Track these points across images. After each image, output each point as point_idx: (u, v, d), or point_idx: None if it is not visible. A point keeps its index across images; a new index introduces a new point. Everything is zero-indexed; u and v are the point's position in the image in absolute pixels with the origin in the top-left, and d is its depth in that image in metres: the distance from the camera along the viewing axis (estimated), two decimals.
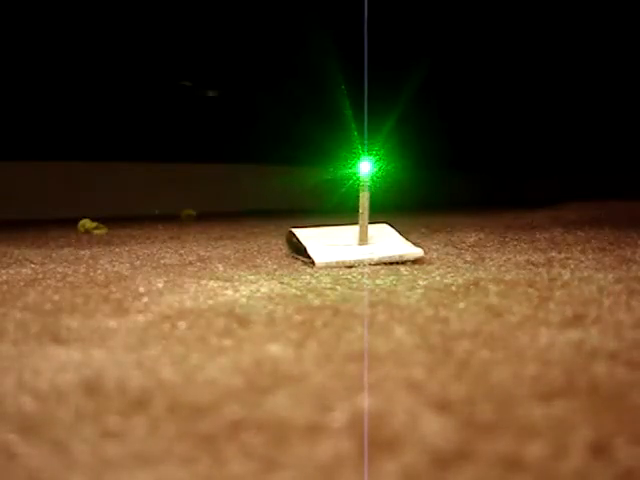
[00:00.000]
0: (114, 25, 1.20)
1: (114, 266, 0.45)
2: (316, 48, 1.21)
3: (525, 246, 0.56)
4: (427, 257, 0.47)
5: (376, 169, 0.46)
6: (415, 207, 1.24)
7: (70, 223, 0.79)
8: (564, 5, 1.67)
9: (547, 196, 1.57)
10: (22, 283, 0.38)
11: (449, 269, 0.42)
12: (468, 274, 0.40)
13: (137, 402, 0.18)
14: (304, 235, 0.47)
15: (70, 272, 0.42)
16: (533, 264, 0.44)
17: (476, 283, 0.36)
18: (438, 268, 0.43)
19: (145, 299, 0.33)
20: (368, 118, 0.48)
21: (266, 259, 0.48)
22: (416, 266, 0.44)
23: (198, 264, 0.46)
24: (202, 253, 0.53)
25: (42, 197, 1.14)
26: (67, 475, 0.14)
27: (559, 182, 1.75)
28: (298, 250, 0.46)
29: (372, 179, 0.46)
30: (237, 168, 1.34)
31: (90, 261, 0.48)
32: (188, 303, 0.32)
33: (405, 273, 0.40)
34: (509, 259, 0.47)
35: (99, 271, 0.43)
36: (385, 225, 0.49)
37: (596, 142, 1.61)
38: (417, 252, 0.45)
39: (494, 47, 1.66)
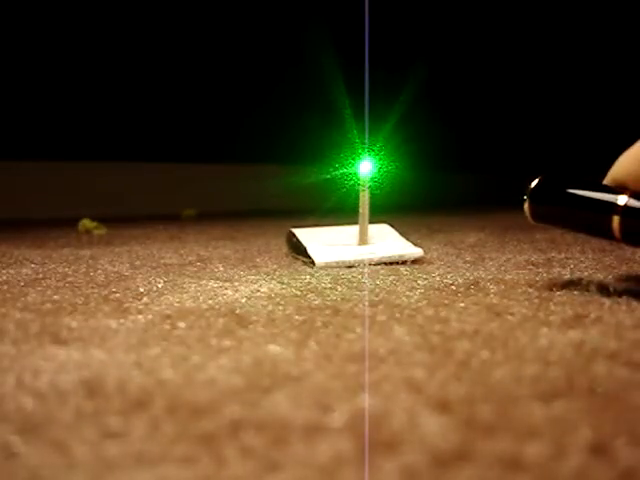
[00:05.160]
0: (114, 24, 1.20)
1: (114, 266, 0.45)
2: (316, 47, 1.21)
3: (525, 246, 0.56)
4: (427, 257, 0.47)
5: (376, 169, 0.46)
6: (415, 207, 1.24)
7: (70, 223, 0.79)
8: (568, 7, 1.67)
9: None
10: (22, 283, 0.38)
11: (449, 269, 0.42)
12: (468, 274, 0.40)
13: (137, 402, 0.18)
14: (304, 235, 0.47)
15: (70, 272, 0.42)
16: (533, 264, 0.44)
17: (476, 283, 0.36)
18: (438, 268, 0.43)
19: (145, 299, 0.33)
20: (368, 118, 0.48)
21: (266, 259, 0.48)
22: (416, 266, 0.44)
23: (198, 264, 0.46)
24: (202, 253, 0.53)
25: (42, 197, 1.14)
26: (67, 475, 0.14)
27: None
28: (298, 250, 0.47)
29: (372, 179, 0.46)
30: (237, 168, 1.34)
31: (90, 261, 0.48)
32: (188, 303, 0.32)
33: (405, 273, 0.40)
34: (509, 259, 0.47)
35: (99, 271, 0.43)
36: (385, 225, 0.49)
37: (596, 142, 1.61)
38: (417, 252, 0.46)
39: (495, 48, 1.66)
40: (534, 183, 0.34)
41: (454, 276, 0.39)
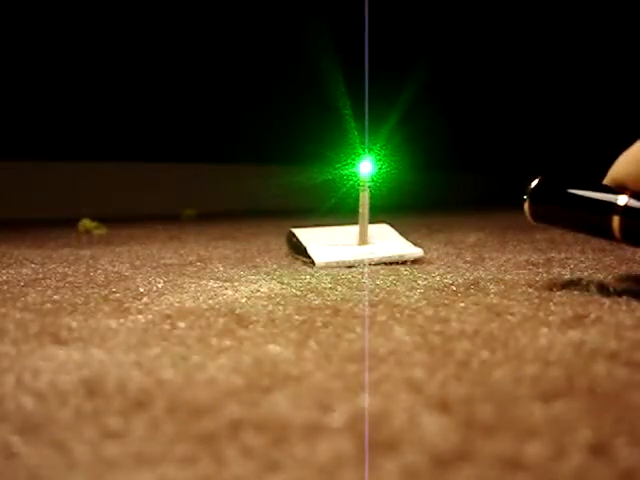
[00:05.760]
0: (114, 24, 1.20)
1: (114, 266, 0.45)
2: (316, 46, 1.21)
3: (525, 246, 0.56)
4: (427, 257, 0.47)
5: (376, 169, 0.46)
6: (415, 207, 1.24)
7: (70, 223, 0.79)
8: (568, 7, 1.67)
9: None
10: (22, 283, 0.38)
11: (449, 269, 0.42)
12: (468, 274, 0.40)
13: (137, 402, 0.18)
14: (304, 235, 0.47)
15: (70, 272, 0.42)
16: (533, 264, 0.44)
17: (476, 283, 0.36)
18: (438, 268, 0.43)
19: (145, 299, 0.33)
20: (368, 118, 0.48)
21: (266, 259, 0.48)
22: (416, 266, 0.44)
23: (198, 264, 0.46)
24: (202, 253, 0.53)
25: (42, 197, 1.14)
26: (67, 475, 0.14)
27: None
28: (298, 250, 0.47)
29: (372, 179, 0.46)
30: (237, 168, 1.34)
31: (90, 261, 0.48)
32: (188, 303, 0.32)
33: (405, 273, 0.40)
34: (509, 259, 0.47)
35: (99, 271, 0.43)
36: (385, 225, 0.49)
37: (596, 142, 1.61)
38: (417, 252, 0.45)
39: (495, 48, 1.66)
40: (534, 183, 0.34)
41: (454, 276, 0.39)
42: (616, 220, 0.30)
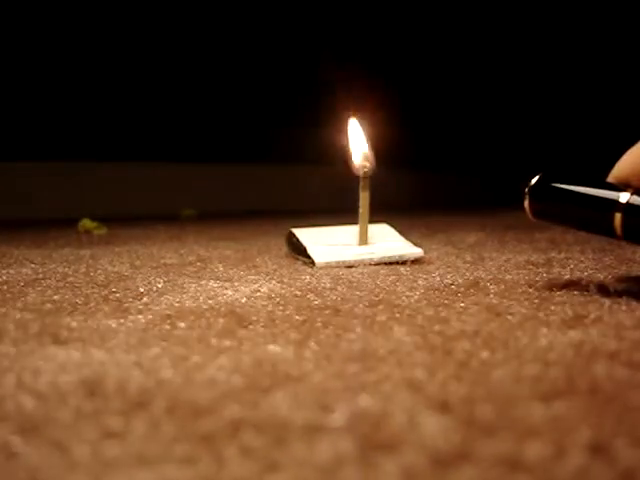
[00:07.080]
0: (114, 23, 1.20)
1: (114, 266, 0.45)
2: (316, 45, 1.21)
3: (525, 246, 0.56)
4: (427, 257, 0.47)
5: (375, 168, 0.46)
6: (415, 207, 1.24)
7: (70, 223, 0.79)
8: (567, 6, 1.67)
9: None
10: (22, 283, 0.38)
11: (449, 269, 0.42)
12: (468, 274, 0.40)
13: (137, 402, 0.18)
14: (304, 235, 0.47)
15: (70, 272, 0.42)
16: (533, 264, 0.44)
17: (476, 283, 0.36)
18: (438, 268, 0.43)
19: (145, 299, 0.33)
20: (368, 117, 0.48)
21: (266, 259, 0.48)
22: (416, 266, 0.44)
23: (198, 264, 0.46)
24: (202, 253, 0.53)
25: (42, 197, 1.14)
26: (67, 475, 0.14)
27: None
28: (298, 250, 0.46)
29: (372, 179, 0.46)
30: (237, 168, 1.34)
31: (90, 261, 0.48)
32: (188, 303, 0.32)
33: (405, 273, 0.40)
34: (509, 259, 0.47)
35: (99, 271, 0.43)
36: (385, 225, 0.49)
37: (596, 140, 1.61)
38: (417, 252, 0.45)
39: (494, 47, 1.66)
40: (534, 180, 0.34)
41: (454, 276, 0.39)
42: (618, 217, 0.30)
